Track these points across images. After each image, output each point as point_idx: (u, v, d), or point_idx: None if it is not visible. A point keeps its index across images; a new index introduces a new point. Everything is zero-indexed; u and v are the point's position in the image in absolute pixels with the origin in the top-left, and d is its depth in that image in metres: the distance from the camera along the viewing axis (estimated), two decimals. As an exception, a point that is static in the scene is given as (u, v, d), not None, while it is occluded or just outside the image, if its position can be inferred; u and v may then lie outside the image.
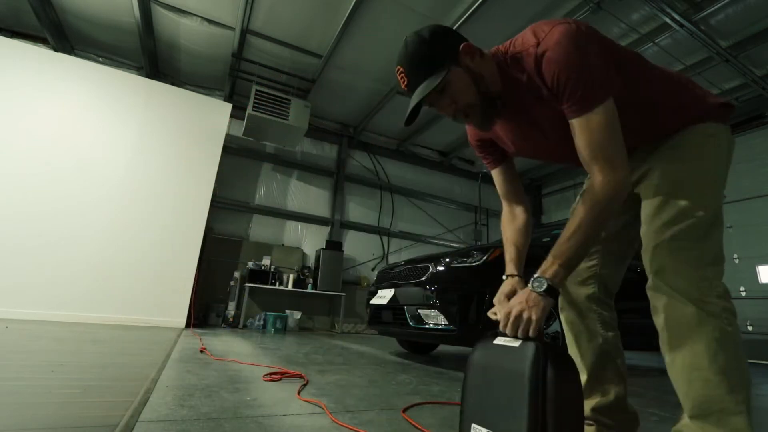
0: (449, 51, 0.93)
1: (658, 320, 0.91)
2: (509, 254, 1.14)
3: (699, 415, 0.83)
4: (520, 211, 1.18)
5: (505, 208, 1.22)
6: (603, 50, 0.89)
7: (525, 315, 0.82)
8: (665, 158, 0.97)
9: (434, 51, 0.93)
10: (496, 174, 1.22)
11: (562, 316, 1.17)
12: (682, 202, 0.90)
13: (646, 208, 0.96)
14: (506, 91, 0.98)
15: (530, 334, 0.82)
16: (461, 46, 0.93)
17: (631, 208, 1.07)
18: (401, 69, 0.96)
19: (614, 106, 0.86)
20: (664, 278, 0.88)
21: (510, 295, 0.99)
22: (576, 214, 0.87)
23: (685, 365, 0.84)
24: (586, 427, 1.08)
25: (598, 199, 0.85)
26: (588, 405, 1.07)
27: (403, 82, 0.96)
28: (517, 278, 1.03)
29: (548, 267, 0.86)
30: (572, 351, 1.13)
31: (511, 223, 1.18)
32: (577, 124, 0.87)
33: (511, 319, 0.83)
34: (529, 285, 0.86)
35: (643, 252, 0.95)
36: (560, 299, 1.16)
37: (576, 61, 0.84)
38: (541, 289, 0.84)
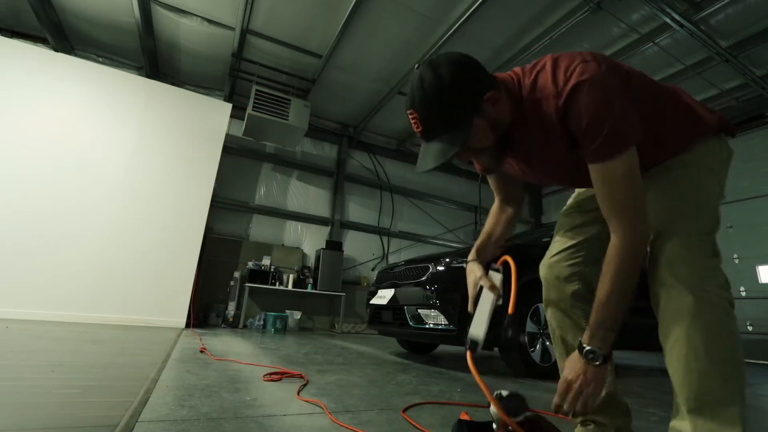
0: (473, 101, 0.84)
1: (658, 309, 0.92)
2: (480, 241, 1.19)
3: (694, 409, 0.84)
4: (510, 206, 1.22)
5: (497, 201, 1.25)
6: (625, 90, 0.86)
7: (586, 391, 0.84)
8: (675, 160, 0.97)
9: (457, 101, 0.82)
10: (490, 178, 1.24)
11: (547, 312, 1.18)
12: (690, 202, 0.92)
13: (657, 196, 0.96)
14: (515, 128, 0.94)
15: (588, 408, 0.84)
16: (486, 95, 0.84)
17: None
18: (415, 114, 0.84)
19: (636, 155, 0.84)
20: (671, 269, 0.88)
21: (483, 279, 1.05)
22: (604, 276, 0.87)
23: (681, 354, 0.85)
24: (581, 428, 1.08)
25: (619, 259, 0.85)
26: None
27: (417, 127, 0.86)
28: (476, 262, 1.10)
29: (594, 334, 0.86)
30: (559, 348, 1.15)
31: (496, 215, 1.22)
32: (596, 171, 0.86)
33: (571, 395, 0.85)
34: (582, 355, 0.86)
35: (650, 244, 0.95)
36: (545, 296, 1.17)
37: (600, 109, 0.81)
38: (598, 362, 0.84)
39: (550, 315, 1.17)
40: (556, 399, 0.88)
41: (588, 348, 0.85)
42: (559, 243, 1.17)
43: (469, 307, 1.05)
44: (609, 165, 0.83)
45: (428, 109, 0.83)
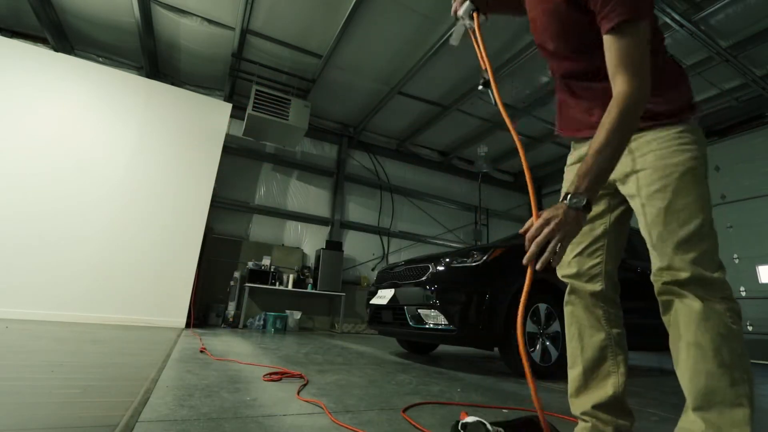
0: None
1: (667, 318, 0.95)
2: None
3: (701, 407, 0.86)
4: None
5: None
6: None
7: (563, 230, 0.83)
8: (657, 154, 0.99)
9: None
10: None
11: (566, 310, 1.17)
12: (686, 203, 0.94)
13: (650, 209, 0.98)
14: None
15: (552, 261, 0.83)
16: None
17: (625, 202, 1.12)
18: None
19: (649, 31, 0.90)
20: (676, 278, 0.92)
21: None
22: (602, 126, 0.88)
23: (690, 357, 0.89)
24: (582, 424, 1.08)
25: (621, 110, 0.87)
26: (588, 402, 1.08)
27: None
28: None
29: (581, 183, 0.87)
30: (573, 345, 1.14)
31: None
32: (615, 31, 0.89)
33: (547, 230, 0.83)
34: (566, 201, 0.86)
35: (652, 252, 0.98)
36: (567, 294, 1.17)
37: None
38: (580, 206, 0.85)
39: (569, 313, 1.17)
40: (528, 229, 0.87)
41: (572, 193, 0.86)
42: (576, 240, 1.15)
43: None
44: (629, 26, 0.88)
45: None
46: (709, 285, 0.90)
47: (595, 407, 1.06)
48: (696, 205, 0.94)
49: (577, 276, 1.14)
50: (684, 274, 0.91)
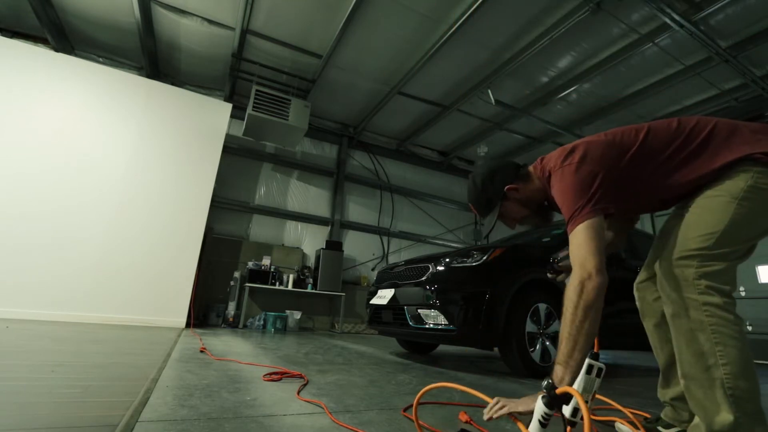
0: (496, 194, 1.36)
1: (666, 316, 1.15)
2: None
3: (685, 386, 1.06)
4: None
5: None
6: (598, 174, 1.11)
7: (503, 407, 1.02)
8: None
9: (486, 196, 1.38)
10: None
11: (644, 322, 1.38)
12: (679, 234, 1.11)
13: (668, 228, 1.18)
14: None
15: (486, 417, 1.02)
16: (506, 188, 1.33)
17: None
18: (472, 206, 1.46)
19: (598, 223, 1.06)
20: (660, 286, 1.14)
21: None
22: (562, 320, 1.03)
23: (675, 346, 1.11)
24: (667, 407, 1.31)
25: (572, 302, 1.01)
26: (669, 394, 1.30)
27: (474, 211, 1.47)
28: None
29: (557, 373, 0.98)
30: (653, 336, 1.35)
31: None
32: (569, 234, 1.11)
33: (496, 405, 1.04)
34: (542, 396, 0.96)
35: (656, 267, 1.18)
36: (639, 308, 1.39)
37: (566, 194, 1.12)
38: (544, 399, 0.94)
39: (646, 321, 1.39)
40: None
41: (548, 382, 0.97)
42: (647, 270, 1.36)
43: None
44: (573, 232, 1.09)
45: (473, 203, 1.45)
46: (684, 284, 1.05)
47: (674, 399, 1.29)
48: (710, 227, 1.06)
49: (644, 297, 1.37)
50: (690, 271, 1.06)
